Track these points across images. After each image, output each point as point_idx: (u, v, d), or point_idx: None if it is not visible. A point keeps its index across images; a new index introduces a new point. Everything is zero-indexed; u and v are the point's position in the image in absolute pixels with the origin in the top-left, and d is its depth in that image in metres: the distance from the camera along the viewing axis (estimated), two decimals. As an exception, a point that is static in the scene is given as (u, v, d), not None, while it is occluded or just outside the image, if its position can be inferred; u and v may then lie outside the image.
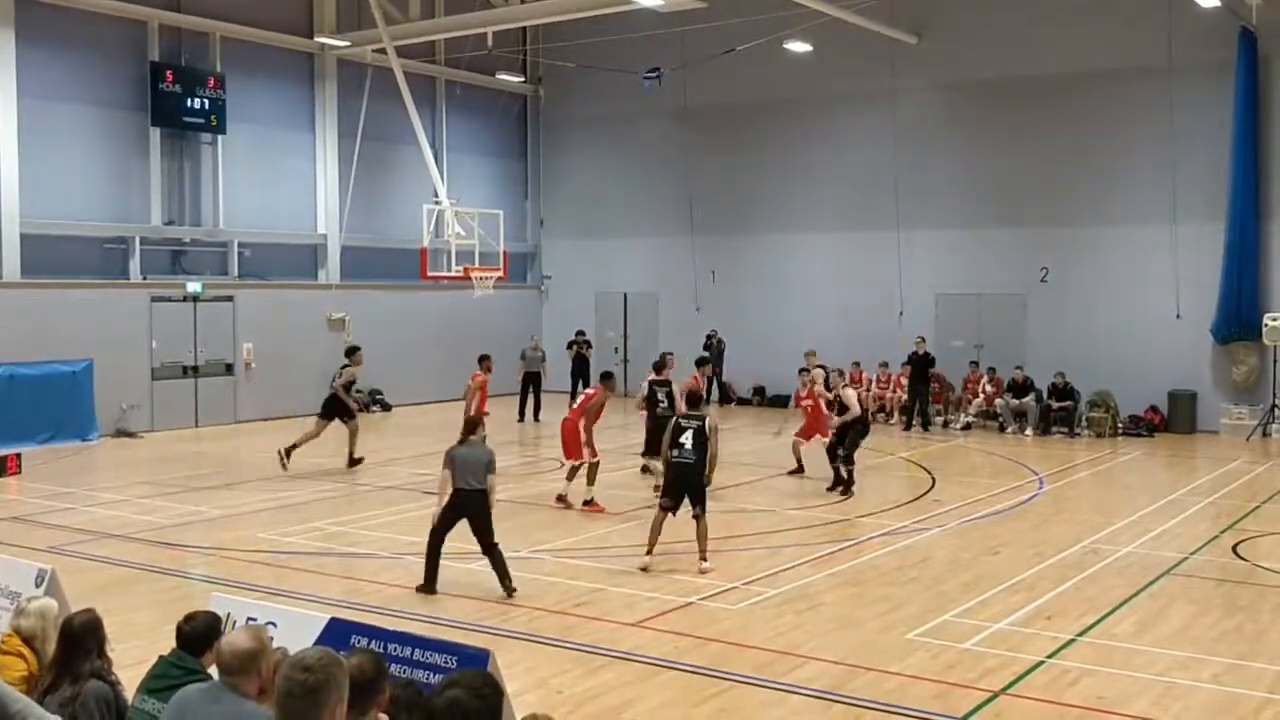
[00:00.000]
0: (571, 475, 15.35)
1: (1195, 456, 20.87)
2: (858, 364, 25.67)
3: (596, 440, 15.41)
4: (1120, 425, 23.28)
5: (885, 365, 25.33)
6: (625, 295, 30.67)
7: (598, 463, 15.31)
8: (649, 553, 11.81)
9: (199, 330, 24.10)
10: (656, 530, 11.90)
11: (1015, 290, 25.22)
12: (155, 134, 23.52)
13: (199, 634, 5.48)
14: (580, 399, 16.10)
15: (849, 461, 16.42)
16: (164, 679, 5.30)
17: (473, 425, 11.27)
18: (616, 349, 30.53)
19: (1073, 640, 9.48)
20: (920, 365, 23.95)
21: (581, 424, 15.19)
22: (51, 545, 12.64)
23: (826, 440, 17.05)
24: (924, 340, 24.32)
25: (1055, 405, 23.33)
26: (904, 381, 24.62)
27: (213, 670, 5.39)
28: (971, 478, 18.34)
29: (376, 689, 4.00)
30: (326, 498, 16.06)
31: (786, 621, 10.08)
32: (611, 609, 10.41)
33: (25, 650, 6.00)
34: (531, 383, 25.46)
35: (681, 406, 14.33)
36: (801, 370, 18.73)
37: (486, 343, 25.30)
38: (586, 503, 14.97)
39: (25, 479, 17.50)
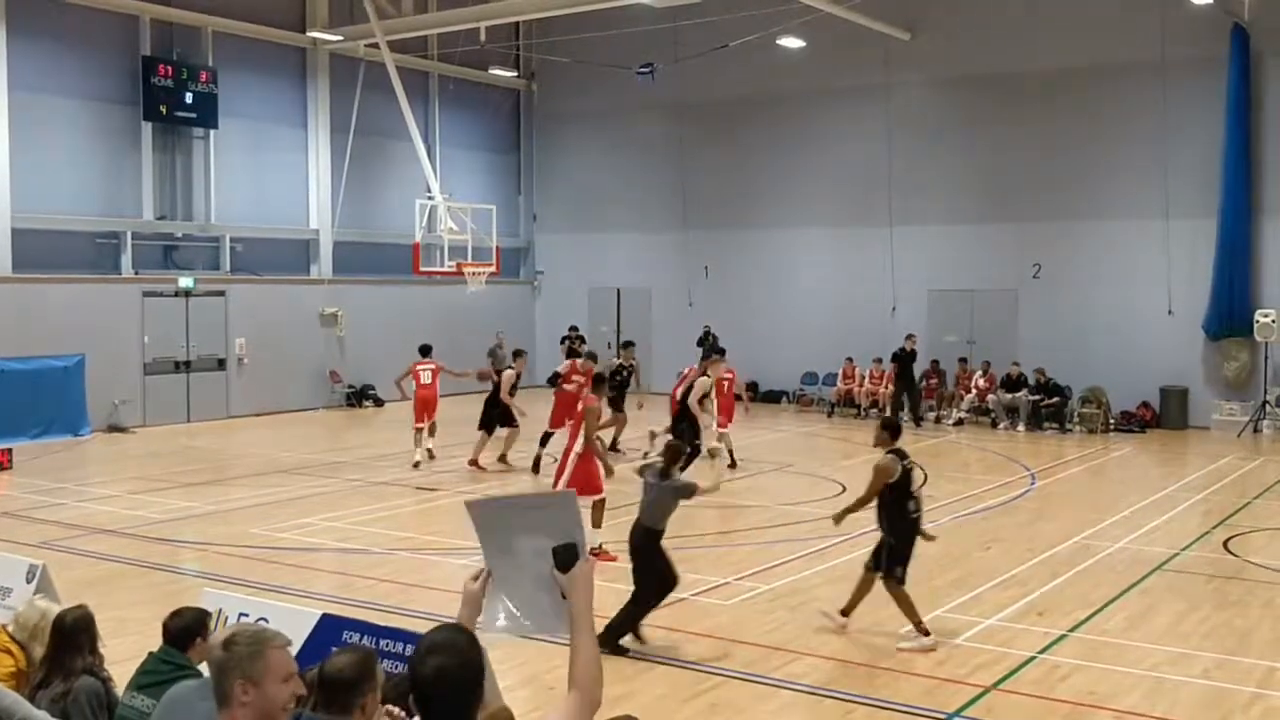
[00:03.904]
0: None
1: (1186, 452, 20.91)
2: (851, 359, 25.71)
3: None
4: (1112, 421, 23.33)
5: (878, 361, 25.34)
6: (618, 291, 30.65)
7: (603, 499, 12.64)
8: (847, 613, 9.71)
9: (191, 325, 24.06)
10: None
11: (1007, 286, 25.24)
12: (147, 128, 23.46)
13: (184, 629, 5.49)
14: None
15: None
16: (153, 675, 5.31)
17: (679, 453, 9.73)
18: (609, 344, 30.49)
19: (1064, 636, 9.50)
20: (906, 362, 24.01)
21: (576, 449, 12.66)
22: (43, 540, 12.62)
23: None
24: (914, 338, 24.36)
25: (1044, 402, 23.35)
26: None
27: (202, 666, 5.41)
28: (963, 473, 18.37)
29: (358, 691, 3.98)
30: (319, 493, 16.04)
31: (778, 617, 10.10)
32: (603, 604, 10.34)
33: (13, 646, 5.99)
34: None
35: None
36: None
37: (479, 338, 25.35)
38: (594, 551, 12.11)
39: (16, 474, 17.45)
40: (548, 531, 3.30)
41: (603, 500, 12.45)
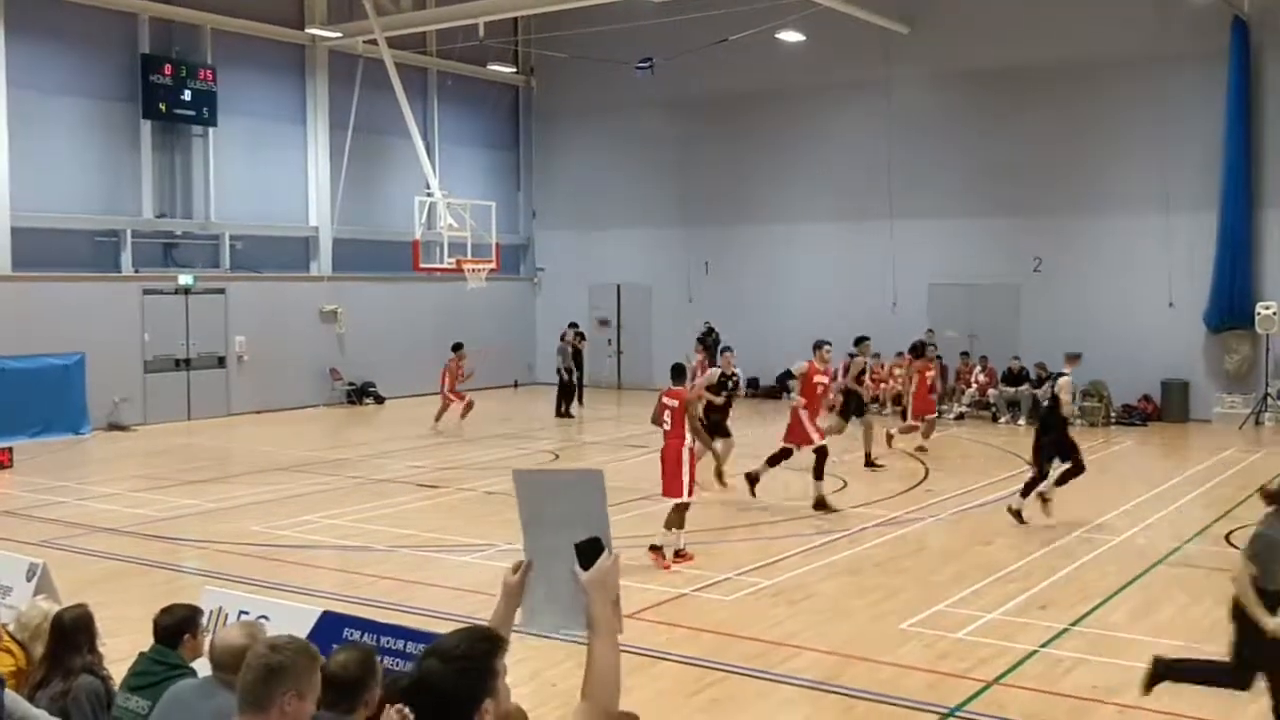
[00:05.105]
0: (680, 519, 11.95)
1: (1188, 445, 20.89)
2: (852, 355, 25.62)
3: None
4: (1113, 414, 23.33)
5: (877, 356, 25.27)
6: (618, 287, 30.63)
7: (688, 505, 11.96)
8: None
9: (191, 323, 24.05)
10: None
11: (1008, 280, 25.21)
12: (146, 126, 23.44)
13: (175, 626, 5.49)
14: (670, 413, 12.00)
15: None
16: (146, 676, 5.31)
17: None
18: (610, 341, 30.50)
19: (1066, 629, 9.48)
20: (919, 357, 23.95)
21: (684, 448, 11.87)
22: (43, 539, 12.59)
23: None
24: (932, 333, 24.29)
25: (1041, 395, 23.36)
26: (896, 371, 24.66)
27: (194, 664, 5.40)
28: (964, 467, 18.35)
29: (362, 687, 3.97)
30: (320, 490, 16.02)
31: (780, 612, 10.09)
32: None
33: (14, 645, 5.98)
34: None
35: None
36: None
37: (480, 335, 25.31)
38: (653, 548, 11.77)
39: (17, 473, 17.45)
40: (578, 519, 3.17)
41: (687, 505, 11.84)
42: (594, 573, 3.10)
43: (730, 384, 16.42)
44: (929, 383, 20.10)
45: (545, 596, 3.23)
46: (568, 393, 25.01)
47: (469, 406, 22.17)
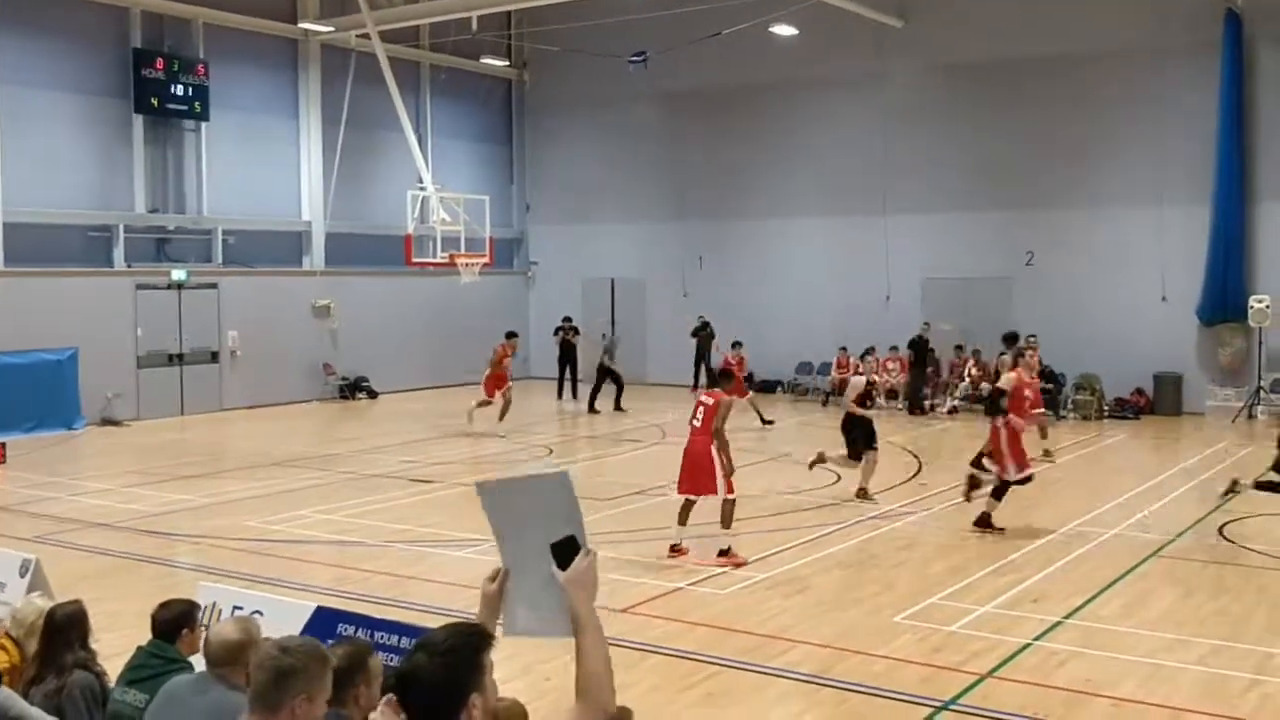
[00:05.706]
0: (685, 516, 11.86)
1: (1181, 438, 20.92)
2: (844, 349, 25.68)
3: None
4: (1106, 408, 23.36)
5: (872, 350, 25.28)
6: (612, 281, 30.59)
7: (734, 500, 11.81)
8: None
9: (184, 318, 24.00)
10: None
11: (1001, 274, 25.23)
12: (138, 121, 23.38)
13: (173, 621, 5.49)
14: (703, 410, 11.79)
15: None
16: (143, 669, 5.30)
17: None
18: (604, 335, 30.42)
19: (1060, 623, 9.50)
20: (921, 350, 24.09)
21: (714, 446, 11.66)
22: (36, 534, 12.56)
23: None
24: (929, 326, 24.38)
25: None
26: (890, 365, 24.76)
27: (192, 659, 5.40)
28: (957, 461, 18.33)
29: (349, 681, 3.99)
30: (313, 485, 16.01)
31: (775, 605, 10.09)
32: (599, 595, 10.36)
33: (8, 642, 5.97)
34: (609, 374, 25.18)
35: None
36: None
37: (473, 330, 25.28)
38: (723, 552, 11.59)
39: (10, 468, 17.41)
40: (551, 520, 3.15)
41: (733, 502, 11.72)
42: (572, 572, 3.10)
43: (874, 391, 15.52)
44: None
45: (525, 603, 3.22)
46: (601, 386, 24.59)
47: (482, 406, 21.15)
